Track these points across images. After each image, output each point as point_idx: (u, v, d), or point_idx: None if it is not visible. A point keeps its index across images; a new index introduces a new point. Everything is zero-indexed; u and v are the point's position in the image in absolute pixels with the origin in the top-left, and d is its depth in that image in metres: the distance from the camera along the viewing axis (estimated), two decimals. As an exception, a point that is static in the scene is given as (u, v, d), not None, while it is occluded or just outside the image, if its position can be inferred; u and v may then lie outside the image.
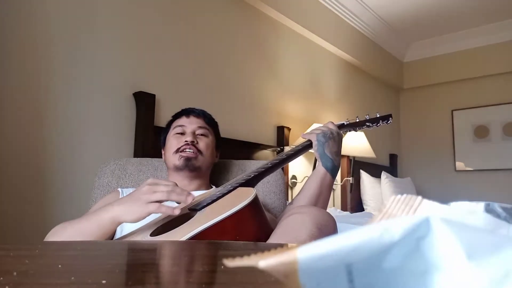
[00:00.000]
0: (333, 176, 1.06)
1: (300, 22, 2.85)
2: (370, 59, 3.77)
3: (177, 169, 1.10)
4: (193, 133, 1.13)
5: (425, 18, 3.66)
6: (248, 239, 0.74)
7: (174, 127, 1.16)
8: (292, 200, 1.09)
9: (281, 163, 1.06)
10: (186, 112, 1.19)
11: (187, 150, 1.09)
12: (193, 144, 1.10)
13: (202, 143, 1.13)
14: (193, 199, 0.77)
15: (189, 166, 1.09)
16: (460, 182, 4.02)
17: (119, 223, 0.79)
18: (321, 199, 1.04)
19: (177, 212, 0.75)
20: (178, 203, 0.85)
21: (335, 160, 1.06)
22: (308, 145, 1.10)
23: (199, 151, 1.11)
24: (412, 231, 0.16)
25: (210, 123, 1.21)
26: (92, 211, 0.95)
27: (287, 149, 2.55)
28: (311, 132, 1.11)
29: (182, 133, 1.14)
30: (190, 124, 1.15)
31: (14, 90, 1.44)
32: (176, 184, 0.79)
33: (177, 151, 1.10)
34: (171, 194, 0.76)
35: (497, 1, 3.36)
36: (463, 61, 4.05)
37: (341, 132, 1.14)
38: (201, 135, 1.15)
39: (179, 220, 0.81)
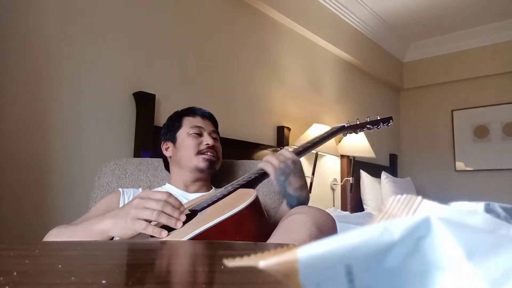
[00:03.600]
0: (305, 204, 0.97)
1: (300, 22, 2.85)
2: (370, 59, 3.77)
3: (200, 171, 1.10)
4: (209, 137, 1.14)
5: (425, 18, 3.66)
6: (248, 240, 0.74)
7: (191, 126, 1.14)
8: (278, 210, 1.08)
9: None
10: (201, 113, 1.19)
11: (208, 153, 1.11)
12: (214, 148, 1.13)
13: (218, 148, 1.16)
14: (182, 225, 0.72)
15: (211, 169, 1.11)
16: (460, 182, 4.02)
17: (109, 237, 0.77)
18: None
19: (164, 234, 0.71)
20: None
21: (300, 196, 0.95)
22: (264, 174, 0.99)
23: (217, 155, 1.14)
24: (412, 231, 0.16)
25: (217, 127, 1.23)
26: (90, 215, 0.95)
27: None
28: (266, 162, 0.98)
29: (200, 134, 1.14)
30: (207, 127, 1.16)
31: (14, 90, 1.44)
32: (171, 195, 0.75)
33: (199, 153, 1.11)
34: (161, 216, 0.72)
35: (497, 1, 3.36)
36: (463, 61, 4.05)
37: (298, 159, 1.00)
38: (215, 139, 1.17)
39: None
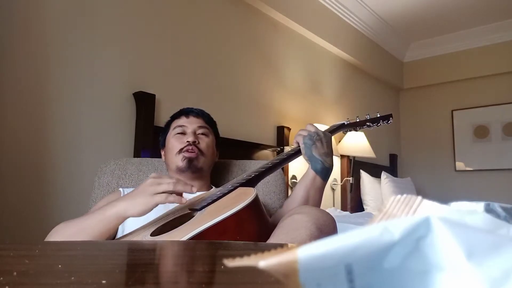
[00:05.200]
0: (324, 178, 1.02)
1: (300, 22, 2.85)
2: (370, 59, 3.77)
3: (180, 170, 1.10)
4: (194, 133, 1.13)
5: (425, 18, 3.66)
6: (248, 239, 0.74)
7: (174, 128, 1.16)
8: (282, 204, 1.09)
9: (282, 163, 1.06)
10: (185, 112, 1.19)
11: (189, 150, 1.09)
12: (195, 144, 1.10)
13: (203, 143, 1.13)
14: (196, 190, 0.79)
15: (192, 168, 1.09)
16: (460, 182, 4.02)
17: (124, 219, 0.79)
18: (310, 203, 1.00)
19: (184, 200, 0.77)
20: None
21: (325, 162, 1.01)
22: (300, 149, 1.08)
23: (200, 151, 1.11)
24: (412, 231, 0.16)
25: (210, 122, 1.21)
26: (93, 210, 0.96)
27: (287, 149, 2.55)
28: (297, 134, 1.08)
29: (183, 133, 1.14)
30: (190, 124, 1.15)
31: (14, 90, 1.44)
32: (179, 179, 0.80)
33: (180, 151, 1.10)
34: (176, 185, 0.77)
35: (497, 1, 3.36)
36: (463, 61, 4.05)
37: (328, 133, 1.10)
38: (202, 134, 1.15)
39: (180, 220, 0.81)
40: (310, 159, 1.02)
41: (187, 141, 1.10)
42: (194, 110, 1.20)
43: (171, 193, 0.77)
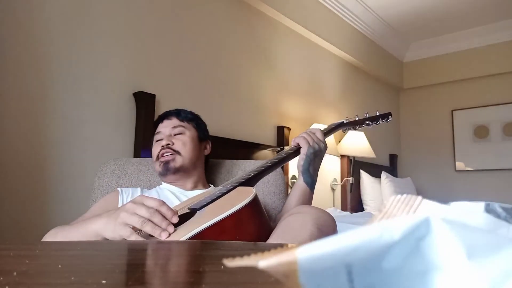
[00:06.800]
0: (312, 190, 1.08)
1: (300, 22, 2.85)
2: (370, 59, 3.77)
3: (161, 175, 1.12)
4: (169, 136, 1.14)
5: (425, 18, 3.66)
6: (248, 238, 0.74)
7: (154, 135, 1.18)
8: (280, 212, 1.09)
9: (281, 162, 1.07)
10: (161, 118, 1.21)
11: (165, 154, 1.11)
12: (168, 146, 1.11)
13: (178, 142, 1.13)
14: (167, 236, 0.68)
15: (171, 170, 1.10)
16: (460, 182, 4.02)
17: (103, 237, 0.75)
18: None
19: (163, 235, 0.68)
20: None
21: (314, 176, 1.08)
22: (299, 149, 1.09)
23: (176, 151, 1.11)
24: (412, 231, 0.16)
25: (186, 118, 1.19)
26: (88, 215, 0.96)
27: (287, 149, 2.55)
28: (301, 137, 1.08)
29: (160, 139, 1.15)
30: (164, 128, 1.16)
31: (13, 90, 1.43)
32: (164, 203, 0.72)
33: (157, 157, 1.12)
34: (146, 224, 0.68)
35: (497, 1, 3.36)
36: (463, 61, 4.05)
37: (326, 144, 1.12)
38: (178, 134, 1.15)
39: (179, 219, 0.81)
40: (303, 172, 1.05)
41: (161, 146, 1.12)
42: (168, 113, 1.20)
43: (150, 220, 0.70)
